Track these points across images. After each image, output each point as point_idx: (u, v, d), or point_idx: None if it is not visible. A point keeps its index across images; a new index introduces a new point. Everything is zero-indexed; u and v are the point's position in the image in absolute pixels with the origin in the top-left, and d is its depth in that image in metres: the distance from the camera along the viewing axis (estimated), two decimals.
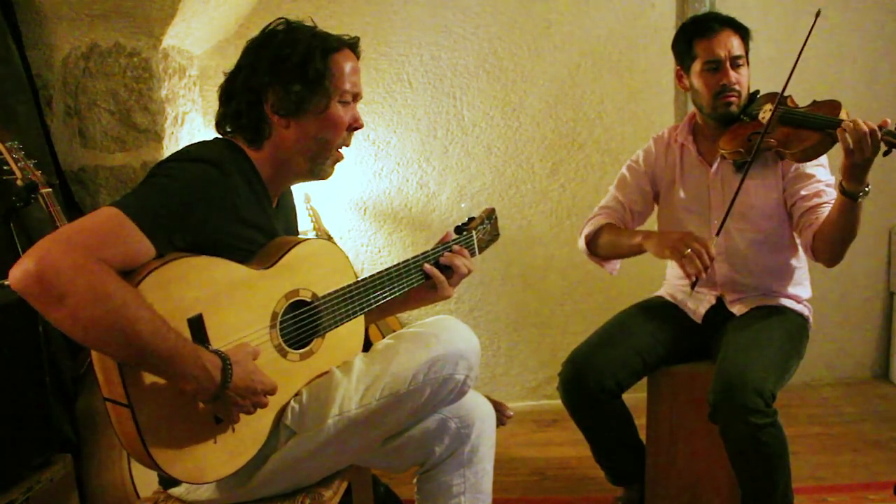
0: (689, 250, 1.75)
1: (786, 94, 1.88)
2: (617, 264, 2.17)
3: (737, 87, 1.92)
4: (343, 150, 1.46)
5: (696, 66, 1.95)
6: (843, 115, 1.76)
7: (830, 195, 1.86)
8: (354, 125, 1.43)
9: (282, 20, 1.41)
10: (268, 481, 1.35)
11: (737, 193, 1.82)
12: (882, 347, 3.13)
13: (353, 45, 1.44)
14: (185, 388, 1.14)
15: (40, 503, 1.72)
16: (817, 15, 1.76)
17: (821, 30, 2.91)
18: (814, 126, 1.78)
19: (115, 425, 1.16)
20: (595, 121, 2.96)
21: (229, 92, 1.39)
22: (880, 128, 1.61)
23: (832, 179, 1.90)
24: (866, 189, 1.68)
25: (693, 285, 1.80)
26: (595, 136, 2.96)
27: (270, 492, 1.37)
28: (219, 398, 1.17)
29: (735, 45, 1.92)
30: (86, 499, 1.94)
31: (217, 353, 1.17)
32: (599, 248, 2.09)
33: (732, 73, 1.92)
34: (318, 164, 1.41)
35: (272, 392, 1.25)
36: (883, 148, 1.63)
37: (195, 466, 1.20)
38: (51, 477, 1.77)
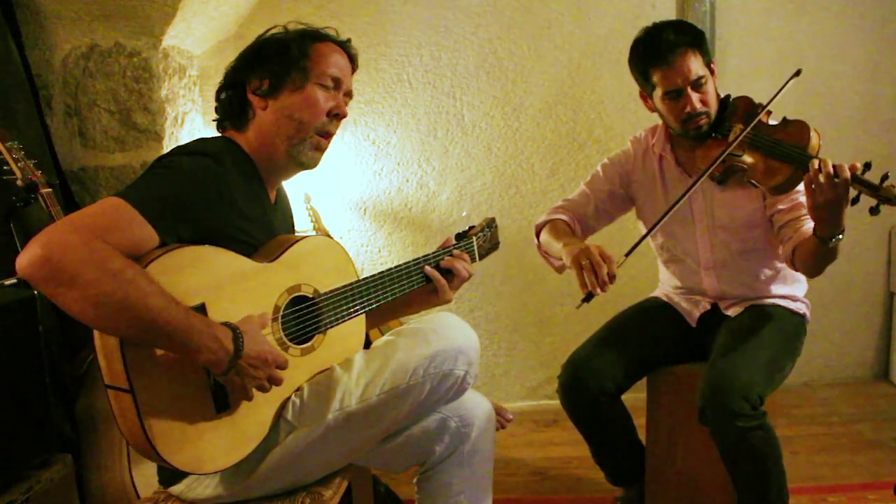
0: (587, 262, 1.70)
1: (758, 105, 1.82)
2: (561, 263, 2.04)
3: (702, 108, 1.83)
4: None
5: (658, 93, 1.87)
6: (812, 139, 1.70)
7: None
8: (336, 111, 1.44)
9: (277, 26, 1.47)
10: (268, 477, 1.35)
11: (681, 199, 1.79)
12: (882, 347, 3.13)
13: (341, 43, 1.48)
14: (199, 360, 1.14)
15: (40, 503, 1.71)
16: (796, 74, 1.72)
17: (821, 29, 2.93)
18: (782, 157, 1.72)
19: (116, 413, 1.17)
20: (595, 121, 2.96)
21: (222, 86, 1.46)
22: (850, 170, 1.53)
23: None
24: (839, 236, 1.62)
25: (585, 299, 1.71)
26: (595, 136, 2.96)
27: (270, 489, 1.37)
28: (233, 368, 1.17)
29: (694, 66, 1.80)
30: (86, 499, 1.94)
31: (227, 324, 1.18)
32: (541, 242, 2.04)
33: (695, 97, 1.82)
34: (296, 147, 1.40)
35: (283, 365, 1.25)
36: (852, 193, 1.56)
37: (195, 456, 1.20)
38: (51, 477, 1.77)
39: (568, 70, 2.92)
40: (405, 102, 2.93)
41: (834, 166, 1.55)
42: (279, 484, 1.38)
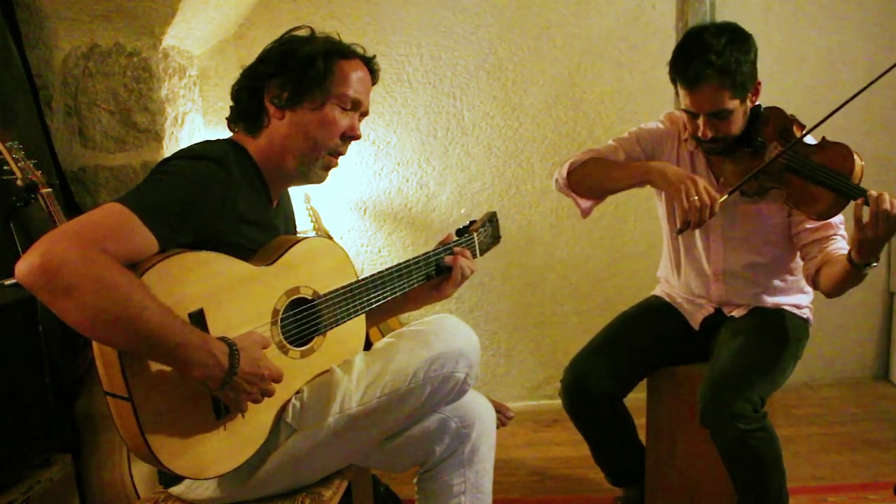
0: (696, 198, 1.67)
1: (791, 114, 1.78)
2: (590, 205, 2.04)
3: (713, 135, 1.76)
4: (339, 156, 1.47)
5: (680, 104, 1.81)
6: (856, 166, 1.64)
7: (836, 229, 1.80)
8: (350, 133, 1.43)
9: (307, 27, 1.45)
10: (268, 479, 1.35)
11: (748, 178, 1.73)
12: (882, 347, 3.13)
13: (366, 60, 1.48)
14: (193, 375, 1.14)
15: (40, 503, 1.71)
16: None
17: (821, 30, 2.93)
18: (823, 184, 1.66)
19: (116, 420, 1.16)
20: (595, 121, 2.96)
21: (238, 84, 1.43)
22: None
23: (841, 216, 1.78)
24: (874, 263, 1.63)
25: (681, 230, 1.72)
26: (595, 136, 2.96)
27: (271, 490, 1.37)
28: (227, 384, 1.17)
29: (716, 99, 1.71)
30: (86, 499, 1.94)
31: (224, 339, 1.17)
32: (584, 178, 1.95)
33: (706, 126, 1.75)
34: (307, 164, 1.40)
35: (278, 378, 1.25)
36: None
37: (196, 462, 1.20)
38: (51, 477, 1.77)
39: (568, 70, 2.92)
40: (405, 102, 2.93)
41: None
42: (279, 485, 1.38)
